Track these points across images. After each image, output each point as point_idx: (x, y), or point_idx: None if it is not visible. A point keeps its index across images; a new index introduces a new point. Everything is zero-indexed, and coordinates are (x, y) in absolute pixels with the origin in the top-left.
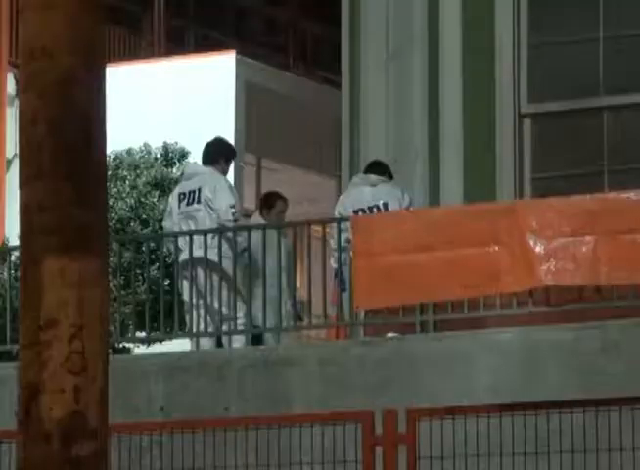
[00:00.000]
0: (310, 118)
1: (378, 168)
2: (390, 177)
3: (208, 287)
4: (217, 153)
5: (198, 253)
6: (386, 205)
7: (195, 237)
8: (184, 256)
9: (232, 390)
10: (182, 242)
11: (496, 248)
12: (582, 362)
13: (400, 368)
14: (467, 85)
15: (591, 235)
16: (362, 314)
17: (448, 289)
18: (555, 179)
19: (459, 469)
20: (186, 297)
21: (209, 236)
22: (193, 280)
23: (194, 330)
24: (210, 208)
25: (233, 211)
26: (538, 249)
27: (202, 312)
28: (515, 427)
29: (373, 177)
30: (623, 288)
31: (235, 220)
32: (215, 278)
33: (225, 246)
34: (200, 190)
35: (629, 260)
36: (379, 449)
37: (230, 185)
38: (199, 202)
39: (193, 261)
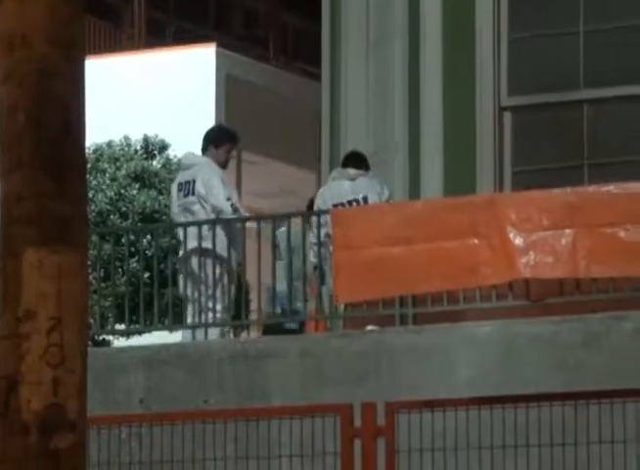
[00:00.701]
0: (291, 111)
1: (356, 160)
2: (368, 168)
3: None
4: (206, 141)
5: (195, 244)
6: (365, 198)
7: (193, 229)
8: (190, 245)
9: (211, 382)
10: (182, 234)
11: (476, 241)
12: (562, 356)
13: (379, 361)
14: (447, 78)
15: (571, 228)
16: (342, 307)
17: (428, 282)
18: (535, 172)
19: (438, 462)
20: (188, 289)
21: (205, 228)
22: (191, 273)
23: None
24: (204, 200)
25: (230, 203)
26: (518, 242)
27: (201, 305)
28: (494, 420)
29: (352, 171)
30: (603, 281)
31: (235, 210)
32: (217, 269)
33: (220, 237)
34: (194, 182)
35: (609, 254)
36: (357, 442)
37: (220, 176)
38: (193, 194)
39: (190, 254)
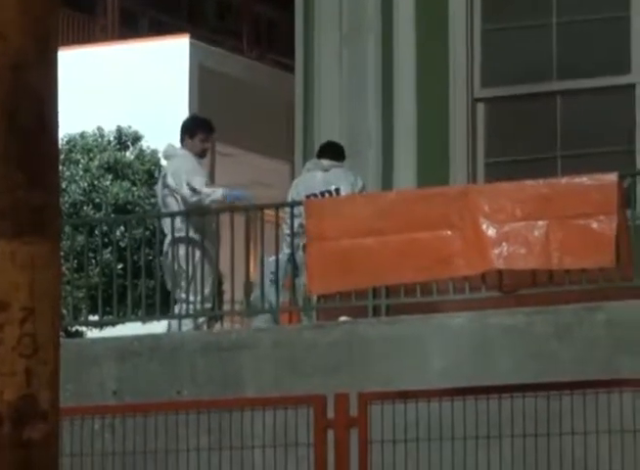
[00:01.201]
0: (264, 103)
1: (331, 151)
2: (343, 158)
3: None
4: (181, 131)
5: (172, 236)
6: (338, 190)
7: (166, 221)
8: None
9: (184, 373)
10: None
11: (449, 232)
12: (535, 347)
13: (352, 352)
14: (421, 70)
15: (544, 220)
16: (315, 299)
17: (401, 273)
18: (508, 164)
19: (410, 453)
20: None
21: (179, 219)
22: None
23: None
24: (174, 191)
25: (189, 187)
26: (491, 233)
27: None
28: (466, 411)
29: (325, 162)
30: (576, 272)
31: (192, 190)
32: (183, 261)
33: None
34: (166, 175)
35: (582, 245)
36: (330, 433)
37: (192, 167)
38: (167, 186)
39: (170, 246)
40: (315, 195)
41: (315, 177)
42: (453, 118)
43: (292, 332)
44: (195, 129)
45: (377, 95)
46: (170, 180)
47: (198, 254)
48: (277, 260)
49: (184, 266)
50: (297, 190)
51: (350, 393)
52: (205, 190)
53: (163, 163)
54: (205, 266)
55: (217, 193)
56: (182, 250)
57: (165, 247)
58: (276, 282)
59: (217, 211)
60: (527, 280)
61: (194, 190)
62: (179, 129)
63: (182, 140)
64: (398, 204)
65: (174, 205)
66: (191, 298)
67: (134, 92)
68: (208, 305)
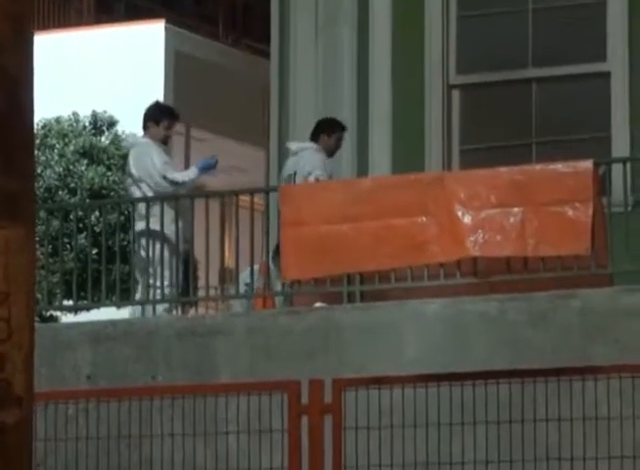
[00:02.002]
0: (240, 88)
1: (314, 129)
2: (318, 134)
3: (152, 256)
4: (145, 118)
5: (141, 224)
6: (296, 174)
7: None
8: (138, 226)
9: (159, 358)
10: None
11: (424, 219)
12: (509, 334)
13: (327, 338)
14: (396, 56)
15: (519, 207)
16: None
17: (376, 259)
18: (483, 151)
19: (385, 439)
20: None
21: (143, 207)
22: (140, 250)
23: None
24: (137, 182)
25: (170, 180)
26: (466, 220)
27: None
28: (441, 397)
29: (293, 146)
30: (551, 259)
31: (173, 183)
32: (157, 247)
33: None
34: (129, 164)
35: (557, 232)
36: (305, 419)
37: (156, 154)
38: (130, 176)
39: (140, 232)
40: (285, 180)
41: (289, 162)
42: (428, 105)
43: (266, 318)
44: (160, 116)
45: (352, 81)
46: (134, 170)
47: (168, 240)
48: (252, 272)
49: (157, 252)
50: (282, 173)
51: (325, 379)
52: (186, 180)
53: None
54: (172, 252)
55: (193, 174)
56: (154, 236)
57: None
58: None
59: (192, 197)
60: (502, 267)
61: (176, 183)
62: (144, 115)
63: (145, 127)
64: (373, 190)
65: (137, 194)
66: (163, 282)
67: (109, 77)
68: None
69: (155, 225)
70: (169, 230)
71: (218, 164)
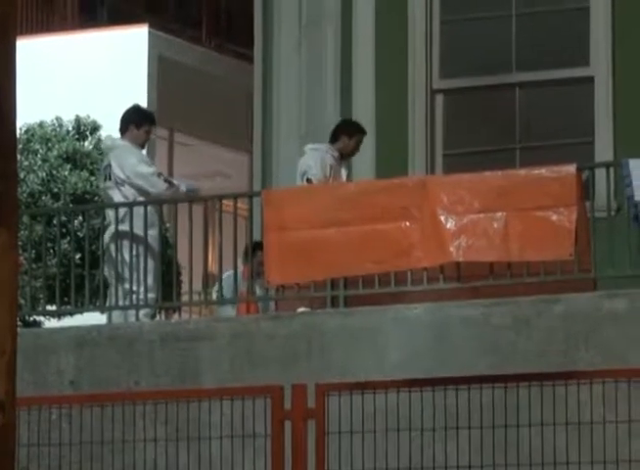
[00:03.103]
0: (223, 93)
1: (338, 129)
2: (336, 137)
3: (126, 260)
4: (126, 121)
5: (120, 227)
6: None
7: (112, 211)
8: (109, 231)
9: (142, 363)
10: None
11: (407, 223)
12: (492, 338)
13: (310, 343)
14: (379, 60)
15: (502, 211)
16: (273, 290)
17: (359, 264)
18: (467, 155)
19: (368, 444)
20: (106, 271)
21: (123, 210)
22: (116, 254)
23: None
24: (121, 185)
25: (163, 178)
26: (449, 225)
27: (124, 286)
28: (424, 402)
29: (306, 147)
30: (534, 264)
31: (169, 184)
32: (141, 251)
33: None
34: (110, 166)
35: (540, 237)
36: (288, 424)
37: (142, 156)
38: (110, 179)
39: (118, 235)
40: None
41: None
42: (412, 109)
43: (249, 323)
44: (142, 120)
45: (336, 86)
46: (119, 173)
47: (144, 244)
48: (235, 274)
49: (134, 257)
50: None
51: (308, 384)
52: (176, 184)
53: None
54: (151, 256)
55: (181, 186)
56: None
57: (107, 238)
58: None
59: (175, 201)
60: (486, 271)
61: (170, 183)
62: (124, 118)
63: (125, 130)
64: (357, 195)
65: (118, 196)
66: (136, 287)
67: (93, 82)
68: (152, 295)
69: (137, 230)
70: (150, 234)
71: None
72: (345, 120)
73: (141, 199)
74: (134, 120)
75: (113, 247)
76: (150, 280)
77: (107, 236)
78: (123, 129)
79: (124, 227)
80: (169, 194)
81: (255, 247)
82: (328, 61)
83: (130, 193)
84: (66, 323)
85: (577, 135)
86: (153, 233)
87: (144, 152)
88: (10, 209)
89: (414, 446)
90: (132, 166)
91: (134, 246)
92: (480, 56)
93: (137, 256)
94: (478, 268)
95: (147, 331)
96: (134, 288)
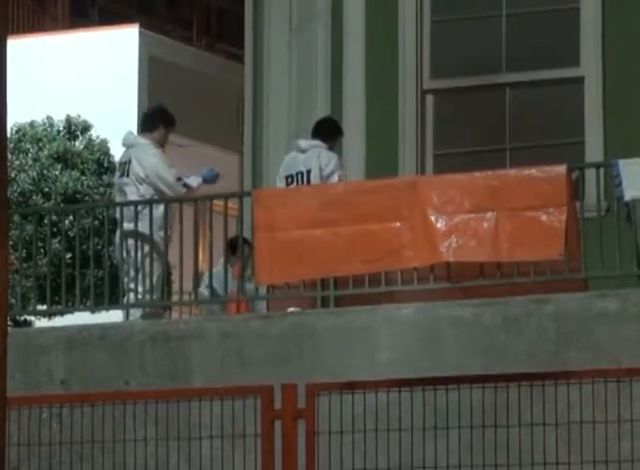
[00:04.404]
0: (214, 93)
1: (320, 129)
2: (332, 137)
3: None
4: (155, 120)
5: (129, 226)
6: (309, 172)
7: (125, 210)
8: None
9: (133, 363)
10: (118, 214)
11: (398, 224)
12: (483, 338)
13: (301, 343)
14: (370, 60)
15: (492, 212)
16: (264, 289)
17: (350, 264)
18: (457, 155)
19: (358, 444)
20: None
21: (139, 208)
22: (126, 252)
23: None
24: (139, 183)
25: (183, 183)
26: (440, 225)
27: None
28: (414, 402)
29: (303, 143)
30: (524, 264)
31: (188, 188)
32: (146, 250)
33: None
34: (129, 163)
35: (530, 237)
36: (278, 424)
37: (162, 157)
38: (127, 175)
39: (125, 234)
40: (292, 176)
41: (296, 158)
42: (402, 110)
43: (240, 322)
44: (171, 121)
45: (326, 86)
46: (139, 170)
47: (149, 243)
48: (225, 270)
49: (138, 256)
50: (279, 172)
51: (298, 383)
52: (195, 186)
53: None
54: (155, 255)
55: (197, 183)
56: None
57: (118, 237)
58: (225, 290)
59: (166, 202)
60: (476, 271)
61: (189, 187)
62: (150, 117)
63: (152, 129)
64: (347, 195)
65: (134, 195)
66: (140, 288)
67: (84, 82)
68: (155, 296)
69: (143, 229)
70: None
71: (219, 176)
72: (328, 119)
73: (138, 198)
74: (165, 120)
75: (125, 245)
76: (154, 280)
77: (119, 235)
78: (150, 128)
79: (137, 227)
80: (193, 193)
81: (234, 243)
82: (318, 61)
83: (148, 192)
84: (56, 323)
85: (568, 135)
86: (162, 234)
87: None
88: (0, 208)
89: (404, 445)
90: (153, 167)
91: (145, 246)
92: (471, 56)
93: (145, 255)
94: (468, 268)
95: (137, 331)
96: (139, 288)
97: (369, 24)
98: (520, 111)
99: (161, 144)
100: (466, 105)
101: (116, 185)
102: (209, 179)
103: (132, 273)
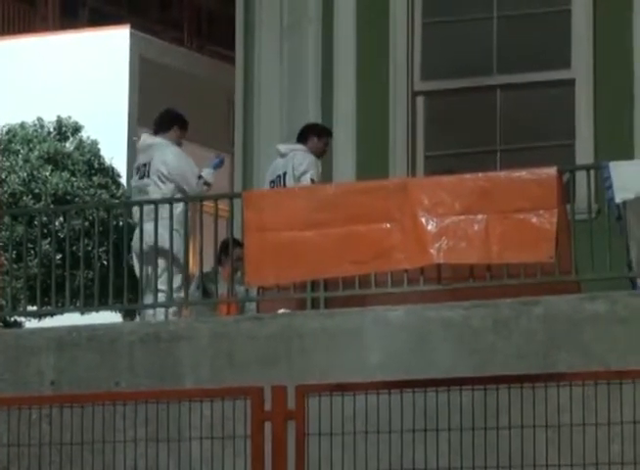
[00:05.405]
0: (204, 94)
1: (300, 132)
2: (306, 138)
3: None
4: (172, 120)
5: (148, 226)
6: (285, 174)
7: (145, 209)
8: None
9: (123, 364)
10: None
11: (388, 225)
12: (472, 340)
13: (291, 344)
14: (361, 62)
15: (483, 214)
16: (255, 291)
17: (340, 266)
18: (447, 157)
19: (348, 445)
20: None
21: (158, 207)
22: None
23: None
24: (162, 181)
25: (203, 181)
26: (430, 227)
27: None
28: (404, 404)
29: (282, 147)
30: (514, 266)
31: (206, 184)
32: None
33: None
34: (150, 164)
35: (520, 239)
36: (268, 425)
37: (184, 155)
38: (149, 176)
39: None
40: (274, 180)
41: (277, 163)
42: (393, 111)
43: (230, 324)
44: (185, 121)
45: (317, 87)
46: (164, 168)
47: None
48: (216, 271)
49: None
50: (266, 176)
51: (288, 385)
52: (211, 181)
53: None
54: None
55: (211, 175)
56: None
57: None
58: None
59: (155, 203)
60: (466, 273)
61: (208, 184)
62: (167, 118)
63: (168, 128)
64: (338, 196)
65: (157, 193)
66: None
67: (74, 83)
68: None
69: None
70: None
71: (224, 160)
72: (313, 123)
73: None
74: (179, 121)
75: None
76: (178, 280)
77: (137, 237)
78: (165, 128)
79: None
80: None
81: (228, 245)
82: (309, 62)
83: (170, 190)
84: (46, 324)
85: (558, 138)
86: (182, 233)
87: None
88: None
89: (394, 447)
90: (176, 166)
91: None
92: (462, 58)
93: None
94: (458, 270)
95: (127, 332)
96: (164, 287)
97: (360, 26)
98: (510, 113)
99: (179, 144)
100: (457, 107)
101: (135, 188)
102: (219, 165)
103: (155, 274)
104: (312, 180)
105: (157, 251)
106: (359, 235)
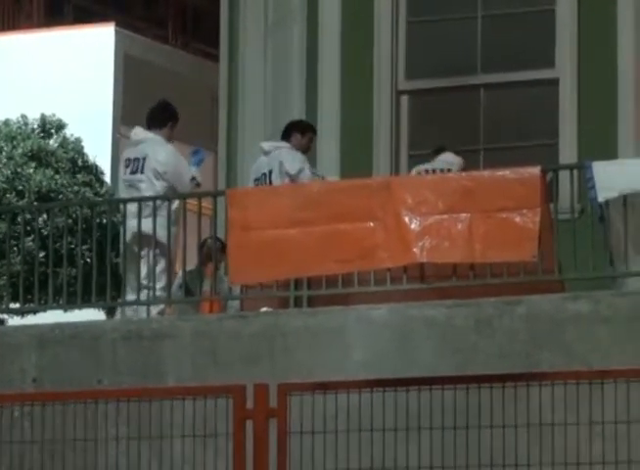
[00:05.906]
0: (189, 92)
1: (285, 130)
2: (289, 135)
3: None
4: (166, 117)
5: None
6: (271, 172)
7: (131, 206)
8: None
9: (105, 362)
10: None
11: (371, 224)
12: (455, 339)
13: (273, 343)
14: (345, 61)
15: (466, 213)
16: (238, 289)
17: (323, 264)
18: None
19: (330, 444)
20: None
21: (143, 205)
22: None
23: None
24: (157, 179)
25: (196, 182)
26: (414, 226)
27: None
28: (386, 403)
29: (266, 145)
30: (497, 265)
31: (197, 181)
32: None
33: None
34: (145, 159)
35: (504, 239)
36: (249, 423)
37: (179, 154)
38: (142, 172)
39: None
40: (258, 179)
41: (261, 161)
42: (377, 110)
43: (213, 322)
44: (177, 117)
45: (301, 85)
46: (159, 166)
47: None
48: (199, 269)
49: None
50: (250, 174)
51: (271, 383)
52: (200, 177)
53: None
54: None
55: (198, 173)
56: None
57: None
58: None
59: (139, 201)
60: (449, 272)
61: (198, 185)
62: (161, 114)
63: (163, 124)
64: (321, 195)
65: (149, 190)
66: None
67: (58, 80)
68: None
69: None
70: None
71: (203, 153)
72: (296, 120)
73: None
74: (173, 117)
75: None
76: (164, 277)
77: (130, 233)
78: (159, 124)
79: (148, 224)
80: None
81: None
82: (294, 60)
83: (162, 188)
84: (29, 321)
85: (542, 137)
86: (173, 230)
87: None
88: None
89: (376, 446)
90: (173, 165)
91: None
92: (446, 57)
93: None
94: (441, 269)
95: (110, 329)
96: (149, 284)
97: (344, 25)
98: (494, 112)
99: (170, 140)
100: (440, 106)
101: (125, 182)
102: (200, 162)
103: (145, 271)
104: (315, 174)
105: (140, 247)
106: (343, 234)
